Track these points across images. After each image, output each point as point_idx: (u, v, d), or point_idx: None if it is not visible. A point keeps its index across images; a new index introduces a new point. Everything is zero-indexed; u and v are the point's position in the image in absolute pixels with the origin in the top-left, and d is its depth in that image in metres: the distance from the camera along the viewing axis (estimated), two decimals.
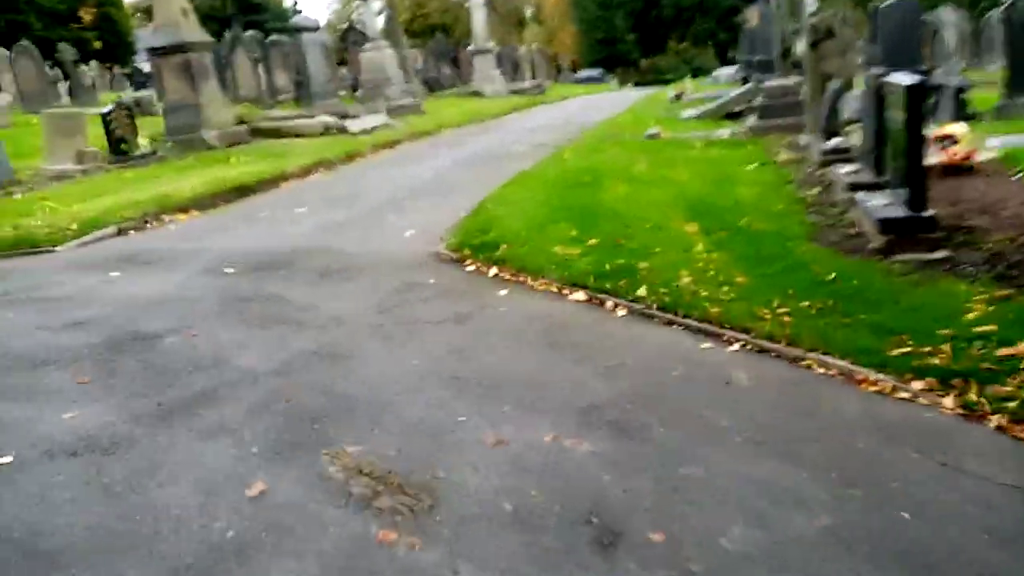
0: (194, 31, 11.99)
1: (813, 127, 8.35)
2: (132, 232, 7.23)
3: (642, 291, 4.31)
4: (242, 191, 8.94)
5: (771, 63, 12.81)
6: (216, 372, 3.70)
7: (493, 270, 5.16)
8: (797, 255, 4.69)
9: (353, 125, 13.33)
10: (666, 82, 40.90)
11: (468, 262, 5.39)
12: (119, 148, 10.71)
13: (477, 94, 21.50)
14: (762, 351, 3.67)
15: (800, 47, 10.95)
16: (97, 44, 35.17)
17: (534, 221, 5.91)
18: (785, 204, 5.90)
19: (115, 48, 36.91)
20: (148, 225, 7.45)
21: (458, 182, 8.67)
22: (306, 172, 10.26)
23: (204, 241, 6.54)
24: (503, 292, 4.70)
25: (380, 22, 18.21)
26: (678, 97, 15.70)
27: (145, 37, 11.95)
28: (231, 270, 5.49)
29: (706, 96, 15.49)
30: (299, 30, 15.95)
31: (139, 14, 41.76)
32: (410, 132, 13.87)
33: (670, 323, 4.05)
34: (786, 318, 3.84)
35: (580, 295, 4.51)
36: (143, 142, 11.14)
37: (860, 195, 5.49)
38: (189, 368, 3.77)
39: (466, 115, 16.92)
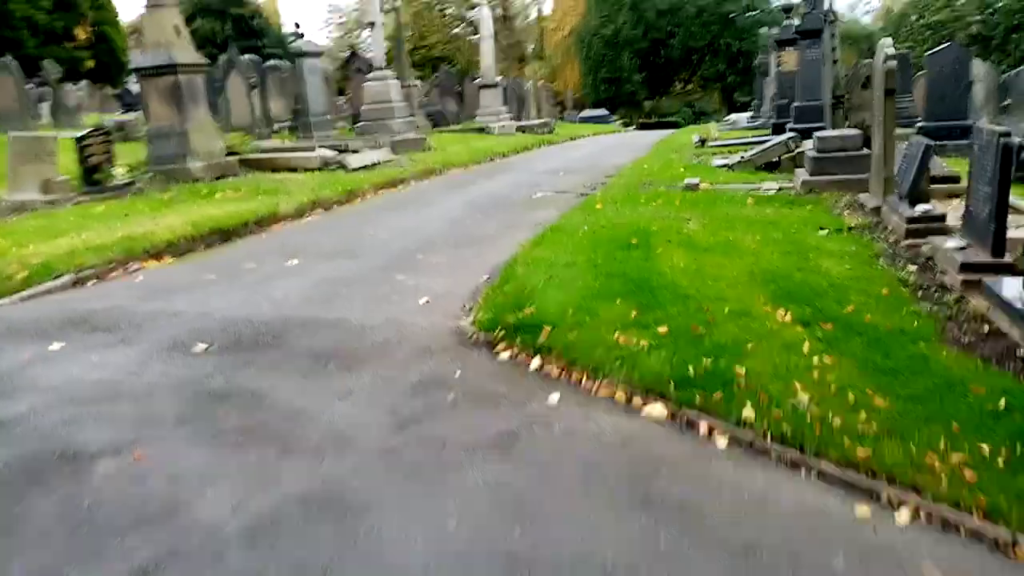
0: (186, 51, 10.97)
1: (880, 187, 7.35)
2: (92, 283, 6.09)
3: (747, 411, 3.21)
4: (227, 234, 7.83)
5: (815, 110, 11.88)
6: (165, 531, 2.56)
7: (535, 362, 4.05)
8: (938, 365, 3.61)
9: (353, 160, 12.28)
10: (672, 125, 40.32)
11: (501, 347, 4.29)
12: (92, 178, 9.62)
13: (483, 130, 20.56)
14: (947, 525, 2.58)
15: (856, 93, 10.04)
16: (90, 63, 34.22)
17: (580, 294, 4.81)
18: (886, 286, 4.83)
19: (108, 68, 35.96)
20: (112, 274, 6.32)
21: (476, 234, 7.60)
22: (301, 213, 9.17)
23: (175, 300, 5.41)
24: (553, 398, 3.59)
25: (384, 50, 17.26)
26: (703, 142, 14.76)
27: (136, 57, 10.88)
28: (203, 347, 4.36)
29: (733, 143, 14.57)
30: (300, 55, 14.97)
31: (136, 33, 40.92)
32: (415, 170, 12.83)
33: (795, 465, 2.95)
34: (966, 471, 2.76)
35: (658, 409, 3.41)
36: (120, 171, 10.05)
37: (990, 282, 4.44)
38: (128, 521, 2.63)
39: (474, 153, 15.92)
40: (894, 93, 7.25)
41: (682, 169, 11.44)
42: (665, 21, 45.19)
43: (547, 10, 59.88)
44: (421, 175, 12.81)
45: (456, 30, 57.93)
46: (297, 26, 15.69)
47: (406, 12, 27.45)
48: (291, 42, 15.23)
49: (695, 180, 9.35)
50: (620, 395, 3.60)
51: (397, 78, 17.35)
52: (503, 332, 4.38)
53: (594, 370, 3.81)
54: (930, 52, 12.38)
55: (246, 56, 17.09)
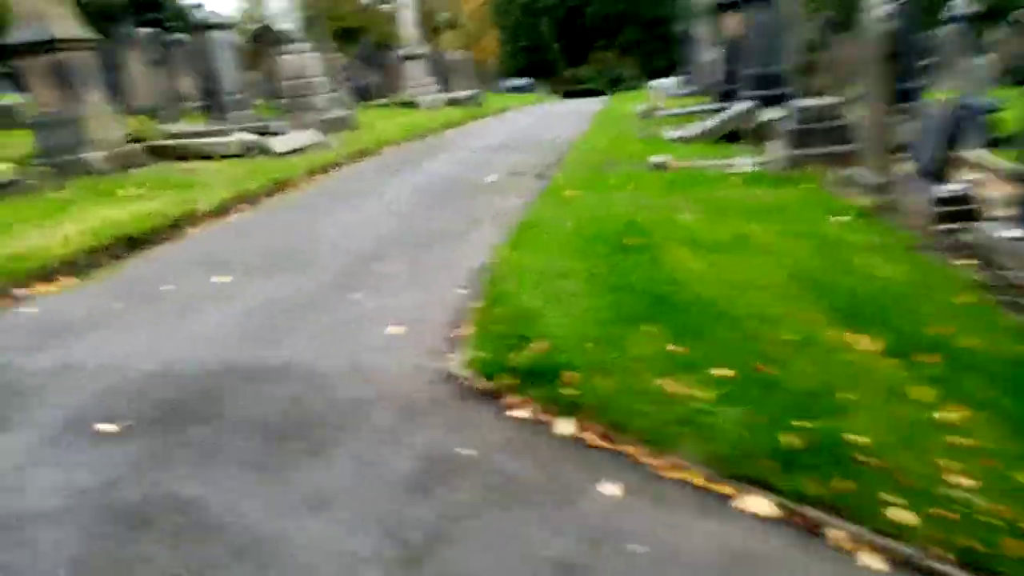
0: (69, 24, 9.42)
1: (881, 161, 6.62)
2: None
3: (894, 511, 2.34)
4: (137, 243, 6.55)
5: (771, 77, 11.17)
6: None
7: (564, 424, 3.10)
8: None
9: (277, 144, 10.97)
10: (594, 93, 39.58)
11: (511, 400, 3.32)
12: None
13: (411, 104, 19.28)
14: None
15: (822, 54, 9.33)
16: None
17: (592, 317, 3.87)
18: (953, 291, 4.06)
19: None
20: None
21: (435, 230, 6.55)
22: (224, 211, 7.91)
23: (74, 347, 4.21)
24: (609, 489, 2.66)
25: (299, 21, 15.77)
26: (648, 113, 13.93)
27: (11, 32, 9.29)
28: (112, 427, 3.23)
29: (680, 112, 13.80)
30: (207, 27, 13.41)
31: None
32: (347, 152, 11.59)
33: None
34: None
35: (761, 504, 2.50)
36: (3, 167, 8.53)
37: None
38: None
39: (406, 130, 14.72)
40: (895, 58, 6.50)
41: (638, 144, 10.57)
42: None
43: None
44: (354, 157, 11.59)
45: (367, 1, 55.62)
46: None
47: None
48: (194, 14, 13.61)
49: (662, 158, 8.50)
50: (698, 479, 2.69)
51: (316, 51, 15.89)
52: (508, 377, 3.41)
53: (651, 439, 2.89)
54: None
55: (146, 29, 15.35)
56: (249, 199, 8.45)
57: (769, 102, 10.63)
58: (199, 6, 14.00)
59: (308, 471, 2.83)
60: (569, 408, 3.16)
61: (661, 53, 44.14)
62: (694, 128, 10.88)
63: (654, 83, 30.88)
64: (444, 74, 25.53)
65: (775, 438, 2.72)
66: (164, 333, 4.34)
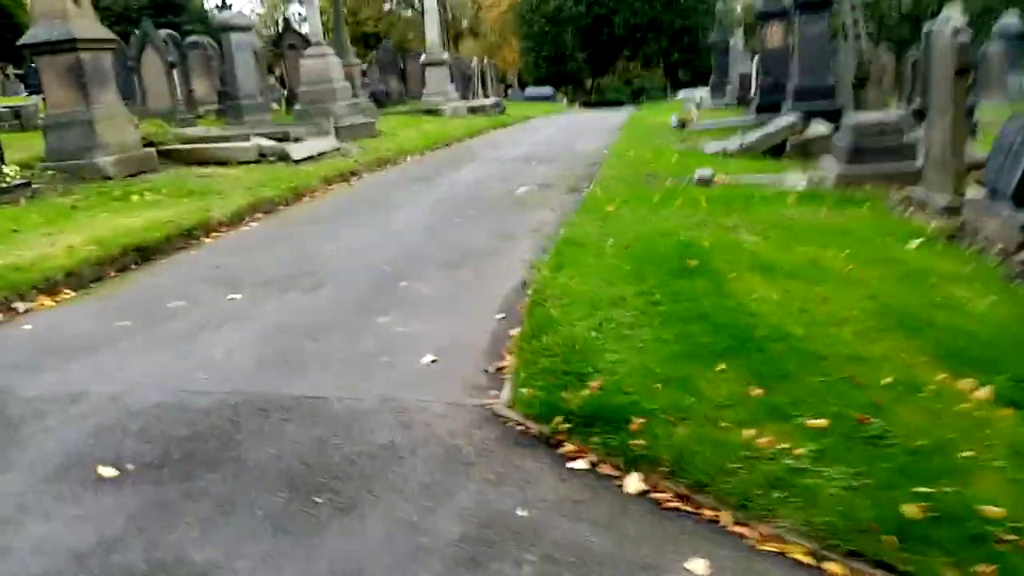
0: (89, 24, 9.09)
1: (948, 182, 6.15)
2: None
3: None
4: (146, 253, 6.16)
5: (819, 90, 10.70)
6: None
7: (633, 480, 2.66)
8: None
9: (296, 150, 10.59)
10: (615, 103, 39.17)
11: (569, 448, 2.89)
12: None
13: (433, 112, 18.91)
14: None
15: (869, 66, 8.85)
16: None
17: (656, 353, 3.42)
18: None
19: (11, 44, 32.71)
20: None
21: (465, 247, 6.12)
22: (239, 220, 7.52)
23: (74, 370, 3.80)
24: (697, 566, 2.20)
25: (320, 24, 15.47)
26: (683, 125, 13.49)
27: (30, 31, 8.96)
28: (112, 471, 2.80)
29: (716, 125, 13.34)
30: (226, 29, 13.09)
31: None
32: (367, 160, 11.21)
33: None
34: None
35: None
36: (11, 170, 8.17)
37: None
38: None
39: (429, 138, 14.33)
40: (968, 72, 6.03)
41: (676, 157, 10.12)
42: None
43: None
44: (375, 165, 11.20)
45: (389, 5, 55.54)
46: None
47: None
48: (215, 15, 13.29)
49: (707, 172, 8.04)
50: (801, 554, 2.24)
51: (337, 55, 15.57)
52: (565, 422, 2.97)
53: (739, 503, 2.44)
54: (927, 29, 11.31)
55: (164, 31, 15.05)
56: (265, 208, 8.06)
57: (815, 116, 10.16)
58: (222, 7, 13.65)
59: (337, 535, 2.39)
60: (638, 461, 2.72)
61: (687, 64, 43.78)
62: (735, 141, 10.42)
63: (687, 94, 30.47)
64: (466, 82, 25.22)
65: (890, 506, 2.27)
66: (173, 358, 3.92)
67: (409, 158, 12.38)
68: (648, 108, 24.04)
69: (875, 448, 2.60)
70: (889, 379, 3.07)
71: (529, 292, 4.60)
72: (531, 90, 37.96)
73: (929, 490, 2.33)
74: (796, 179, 7.83)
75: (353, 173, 10.37)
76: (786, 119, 10.19)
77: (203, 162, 10.19)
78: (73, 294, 5.22)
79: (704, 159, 9.80)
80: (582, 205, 7.09)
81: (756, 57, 15.69)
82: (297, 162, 10.39)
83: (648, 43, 43.48)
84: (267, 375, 3.64)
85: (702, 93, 23.90)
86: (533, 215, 7.29)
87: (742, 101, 18.04)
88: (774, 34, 13.33)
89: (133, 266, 5.93)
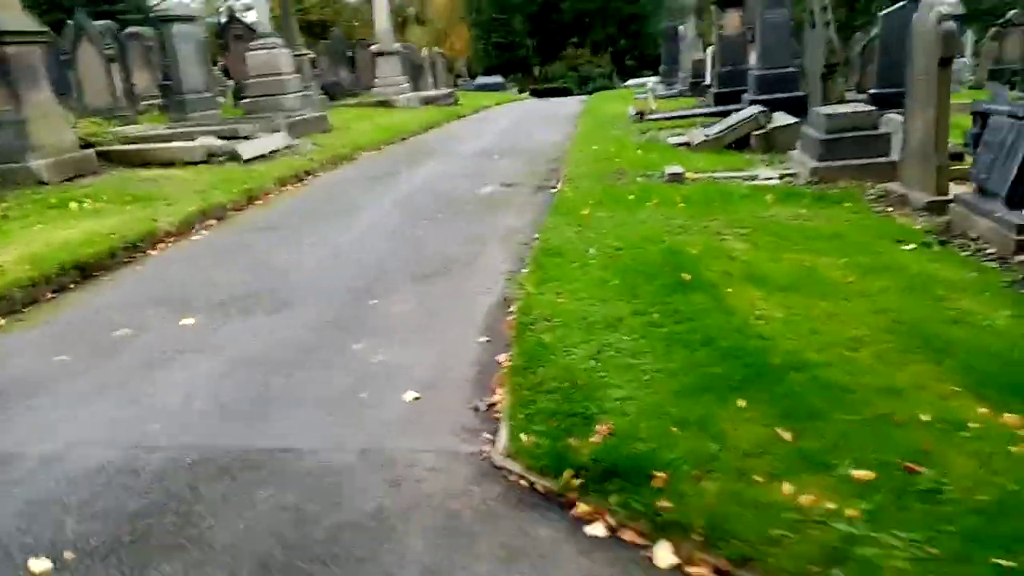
0: (13, 16, 8.40)
1: (930, 177, 5.96)
2: None
3: None
4: (88, 270, 5.63)
5: (782, 79, 10.51)
6: None
7: (666, 552, 2.33)
8: None
9: (246, 148, 10.03)
10: (563, 92, 38.84)
11: (583, 509, 2.55)
12: None
13: (386, 104, 18.33)
14: None
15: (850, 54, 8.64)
16: None
17: (666, 387, 3.09)
18: None
19: None
20: None
21: (436, 256, 5.72)
22: (188, 228, 7.00)
23: (1, 423, 3.33)
24: None
25: (268, 12, 14.79)
26: (640, 115, 13.22)
27: None
28: (45, 564, 2.35)
29: (676, 115, 13.10)
30: (167, 19, 12.38)
31: None
32: (323, 157, 10.69)
33: None
34: None
35: None
36: None
37: None
38: None
39: (384, 132, 13.83)
40: (951, 61, 5.84)
41: (638, 151, 9.85)
42: None
43: None
44: (330, 163, 10.69)
45: None
46: None
47: None
48: (155, 5, 12.59)
49: (677, 168, 7.77)
50: None
51: (286, 45, 14.92)
52: (576, 477, 2.63)
53: None
54: (885, 12, 11.20)
55: (101, 22, 14.21)
56: (217, 213, 7.55)
57: (778, 106, 9.98)
58: None
59: None
60: (667, 526, 2.39)
61: (634, 51, 43.68)
62: (697, 134, 10.18)
63: (636, 82, 30.24)
64: (416, 71, 24.62)
65: None
66: (119, 403, 3.46)
67: (365, 154, 11.88)
68: (599, 97, 23.74)
69: (933, 506, 2.31)
70: (927, 416, 2.80)
71: (513, 310, 4.25)
72: (481, 79, 37.41)
73: (1010, 563, 2.05)
74: (768, 174, 7.61)
75: (308, 172, 9.86)
76: (749, 111, 9.98)
77: (147, 163, 9.58)
78: (2, 322, 4.69)
79: (669, 153, 9.55)
80: (554, 207, 6.74)
81: (711, 45, 15.51)
82: (248, 161, 9.84)
83: (596, 30, 43.23)
84: (230, 423, 3.23)
85: (652, 81, 23.71)
86: (503, 218, 6.93)
87: (696, 89, 17.89)
88: (731, 21, 13.13)
89: (72, 286, 5.40)
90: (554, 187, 8.28)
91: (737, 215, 5.82)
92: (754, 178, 7.51)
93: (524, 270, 5.01)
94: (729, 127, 9.79)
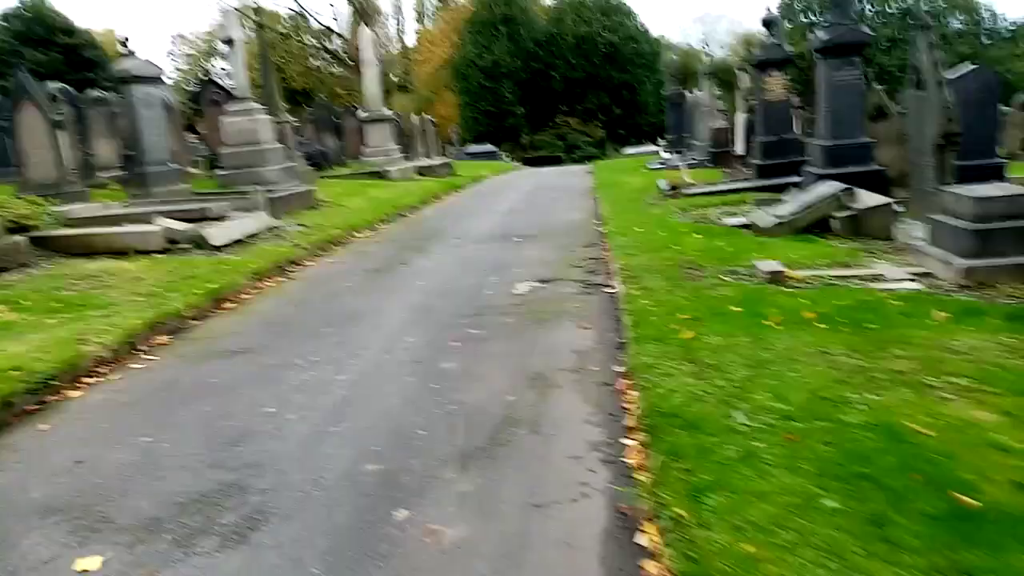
0: None
1: None
2: None
3: None
4: None
5: (858, 151, 8.95)
6: None
7: None
8: None
9: (216, 233, 8.22)
10: (553, 160, 37.68)
11: None
12: None
13: (378, 174, 16.65)
14: None
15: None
16: None
17: None
18: None
19: None
20: None
21: (476, 411, 3.86)
22: (129, 349, 5.13)
23: None
24: None
25: (247, 76, 13.19)
26: (675, 189, 11.61)
27: None
28: None
29: (715, 189, 11.49)
30: (127, 80, 10.68)
31: None
32: (309, 242, 8.88)
33: None
34: None
35: None
36: None
37: None
38: None
39: (379, 208, 12.09)
40: None
41: (696, 235, 8.14)
42: (544, 52, 42.98)
43: (410, 42, 56.50)
44: (319, 248, 8.89)
45: (317, 62, 53.44)
46: (124, 43, 11.35)
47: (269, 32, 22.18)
48: (117, 63, 10.93)
49: (773, 264, 6.04)
50: None
51: (267, 111, 13.29)
52: None
53: None
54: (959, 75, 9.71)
55: (55, 84, 12.52)
56: (172, 326, 5.68)
57: (849, 182, 8.34)
58: (127, 52, 11.27)
59: None
60: None
61: (627, 119, 42.82)
62: (762, 215, 8.51)
63: (644, 150, 29.02)
64: (407, 140, 23.13)
65: None
66: None
67: (360, 236, 10.10)
68: (605, 167, 22.25)
69: None
70: None
71: (648, 548, 2.39)
72: (473, 147, 36.19)
73: None
74: (895, 274, 5.89)
75: (293, 262, 8.04)
76: (825, 188, 8.33)
77: (93, 252, 7.72)
78: None
79: (735, 238, 7.85)
80: (633, 321, 4.93)
81: (743, 112, 14.08)
82: (219, 249, 8.01)
83: (587, 97, 42.44)
84: None
85: (662, 150, 22.37)
86: (560, 336, 5.11)
87: (718, 159, 16.41)
88: (775, 85, 11.67)
89: None
90: (606, 284, 6.53)
91: (919, 348, 4.03)
92: (878, 279, 5.79)
93: (629, 442, 3.19)
94: (805, 207, 8.12)
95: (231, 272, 7.06)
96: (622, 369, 4.29)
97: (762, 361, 3.93)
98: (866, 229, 7.75)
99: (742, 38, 58.11)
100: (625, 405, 3.78)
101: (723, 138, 16.76)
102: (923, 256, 6.13)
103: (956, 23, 44.12)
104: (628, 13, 43.80)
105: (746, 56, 47.37)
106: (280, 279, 7.46)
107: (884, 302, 4.99)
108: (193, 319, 5.95)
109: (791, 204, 8.50)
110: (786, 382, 3.61)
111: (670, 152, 20.84)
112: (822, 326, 4.53)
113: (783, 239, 7.73)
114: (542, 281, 6.84)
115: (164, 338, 5.49)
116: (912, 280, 5.74)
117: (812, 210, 8.07)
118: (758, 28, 56.82)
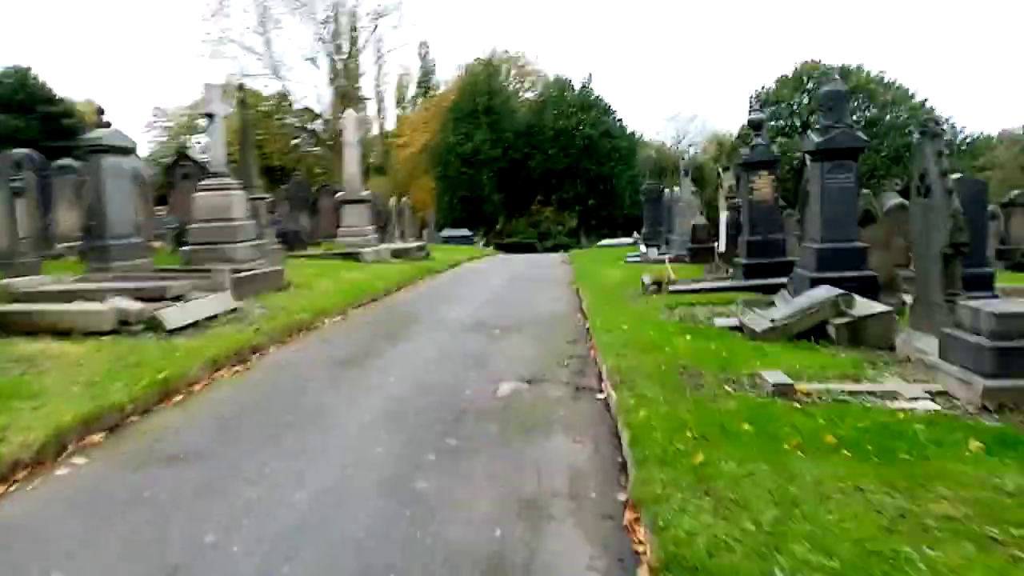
0: None
1: None
2: None
3: None
4: None
5: (851, 255, 8.68)
6: None
7: None
8: None
9: (173, 315, 7.60)
10: (527, 247, 37.64)
11: None
12: None
13: (352, 256, 16.16)
14: None
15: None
16: None
17: None
18: None
19: None
20: None
21: (460, 551, 3.26)
22: (56, 451, 4.45)
23: None
24: None
25: (225, 151, 12.81)
26: (658, 286, 11.24)
27: None
28: None
29: (698, 287, 11.15)
30: (96, 150, 10.20)
31: None
32: (273, 326, 8.27)
33: None
34: None
35: None
36: None
37: None
38: None
39: (351, 292, 11.55)
40: None
41: (687, 337, 7.67)
42: (523, 142, 43.66)
43: (389, 126, 57.15)
44: (284, 334, 8.27)
45: (296, 140, 53.69)
46: (100, 112, 10.99)
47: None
48: (90, 132, 10.49)
49: (780, 377, 5.58)
50: None
51: (242, 186, 12.86)
52: None
53: None
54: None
55: (19, 150, 12.01)
56: (110, 421, 5.02)
57: (842, 287, 7.98)
58: (103, 123, 10.85)
59: None
60: None
61: (601, 211, 43.22)
62: (755, 318, 8.11)
63: (619, 242, 29.00)
64: (383, 222, 22.84)
65: None
66: None
67: (329, 321, 9.52)
68: (582, 257, 22.01)
69: None
70: None
71: None
72: (449, 231, 36.09)
73: None
74: (910, 391, 5.44)
75: (255, 349, 7.42)
76: (823, 292, 7.97)
77: (35, 331, 7.05)
78: None
79: (727, 341, 7.41)
80: (634, 437, 4.38)
81: (725, 210, 13.96)
82: (174, 332, 7.38)
83: (564, 188, 42.89)
84: None
85: (641, 243, 22.27)
86: (550, 451, 4.55)
87: (697, 256, 16.24)
88: (764, 185, 11.52)
89: None
90: (595, 387, 6.03)
91: (964, 487, 3.53)
92: (893, 397, 5.33)
93: None
94: (800, 312, 7.73)
95: (184, 359, 6.42)
96: (627, 498, 3.72)
97: (791, 498, 3.39)
98: (865, 338, 7.37)
99: (713, 137, 59.79)
100: (636, 547, 3.21)
101: (702, 234, 16.64)
102: (936, 372, 5.71)
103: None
104: (606, 110, 44.84)
105: (716, 155, 48.39)
106: (238, 368, 6.83)
107: (908, 426, 4.51)
108: (135, 413, 5.29)
109: (785, 308, 8.12)
110: (825, 527, 3.07)
111: (648, 246, 20.69)
112: (847, 453, 4.02)
113: (779, 345, 7.30)
114: (527, 381, 6.30)
115: (98, 436, 4.83)
116: (928, 398, 5.29)
117: (808, 315, 7.68)
118: (728, 129, 58.28)
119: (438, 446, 4.63)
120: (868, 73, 47.08)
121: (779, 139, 40.19)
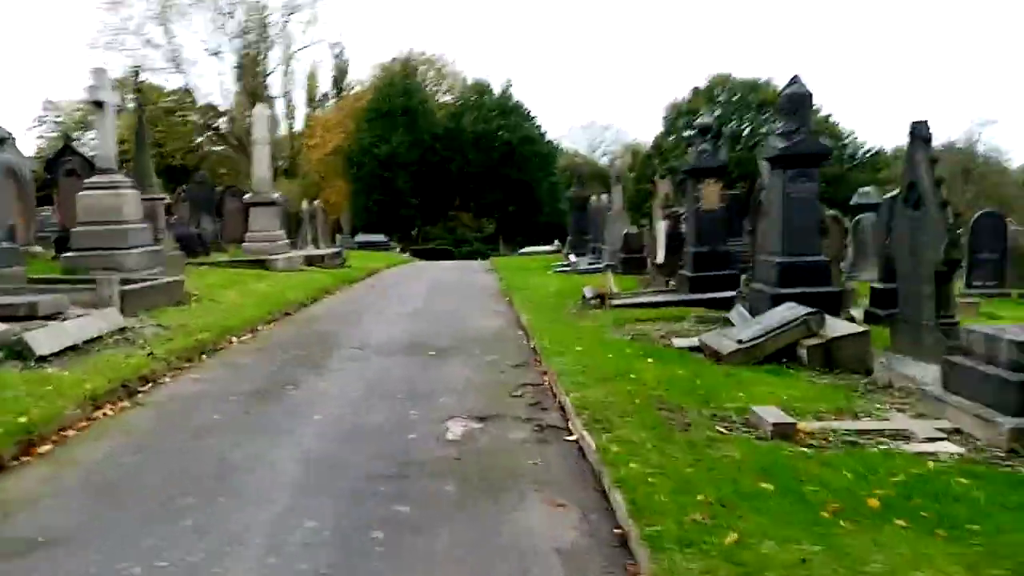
0: None
1: None
2: None
3: None
4: None
5: (813, 270, 8.11)
6: None
7: None
8: None
9: (45, 338, 6.31)
10: (444, 253, 36.60)
11: None
12: None
13: (261, 263, 14.77)
14: None
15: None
16: None
17: None
18: None
19: None
20: None
21: None
22: None
23: None
24: None
25: (115, 146, 11.36)
26: (601, 299, 10.48)
27: None
28: None
29: (646, 302, 10.42)
30: None
31: None
32: (171, 349, 7.04)
33: None
34: None
35: None
36: None
37: None
38: None
39: (261, 305, 10.31)
40: None
41: (649, 360, 6.88)
42: (442, 145, 42.62)
43: (299, 126, 54.87)
44: (182, 359, 7.05)
45: (200, 139, 50.95)
46: None
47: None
48: None
49: (774, 414, 4.84)
50: None
51: (134, 185, 11.42)
52: None
53: None
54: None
55: None
56: None
57: (804, 303, 7.39)
58: None
59: None
60: None
61: (522, 217, 42.52)
62: (717, 339, 7.41)
63: (543, 249, 28.23)
64: (295, 226, 21.41)
65: None
66: None
67: (236, 341, 8.31)
68: (507, 266, 21.05)
69: None
70: None
71: None
72: (363, 236, 34.64)
73: None
74: (924, 432, 4.78)
75: (145, 379, 6.20)
76: (789, 311, 7.33)
77: None
78: None
79: (694, 365, 6.71)
80: (631, 502, 3.51)
81: (663, 219, 13.34)
82: (45, 360, 6.09)
83: (483, 194, 42.09)
84: None
85: (571, 252, 21.55)
86: (524, 520, 3.62)
87: (631, 266, 15.63)
88: (711, 194, 10.93)
89: None
90: (560, 425, 5.17)
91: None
92: (905, 437, 4.67)
93: None
94: (768, 332, 7.07)
95: (54, 395, 5.18)
96: None
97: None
98: (839, 360, 6.78)
99: (628, 147, 60.16)
100: None
101: (636, 244, 16.06)
102: (943, 406, 5.07)
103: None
104: (526, 115, 44.29)
105: (631, 165, 48.46)
106: (124, 404, 5.61)
107: (949, 479, 3.80)
108: None
109: (748, 327, 7.45)
110: None
111: (577, 255, 20.02)
112: (902, 523, 3.26)
113: (749, 370, 6.61)
114: (479, 418, 5.35)
115: None
116: (944, 438, 4.64)
117: (778, 336, 7.03)
118: (642, 139, 58.63)
119: (382, 516, 3.64)
120: (776, 88, 48.18)
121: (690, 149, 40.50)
